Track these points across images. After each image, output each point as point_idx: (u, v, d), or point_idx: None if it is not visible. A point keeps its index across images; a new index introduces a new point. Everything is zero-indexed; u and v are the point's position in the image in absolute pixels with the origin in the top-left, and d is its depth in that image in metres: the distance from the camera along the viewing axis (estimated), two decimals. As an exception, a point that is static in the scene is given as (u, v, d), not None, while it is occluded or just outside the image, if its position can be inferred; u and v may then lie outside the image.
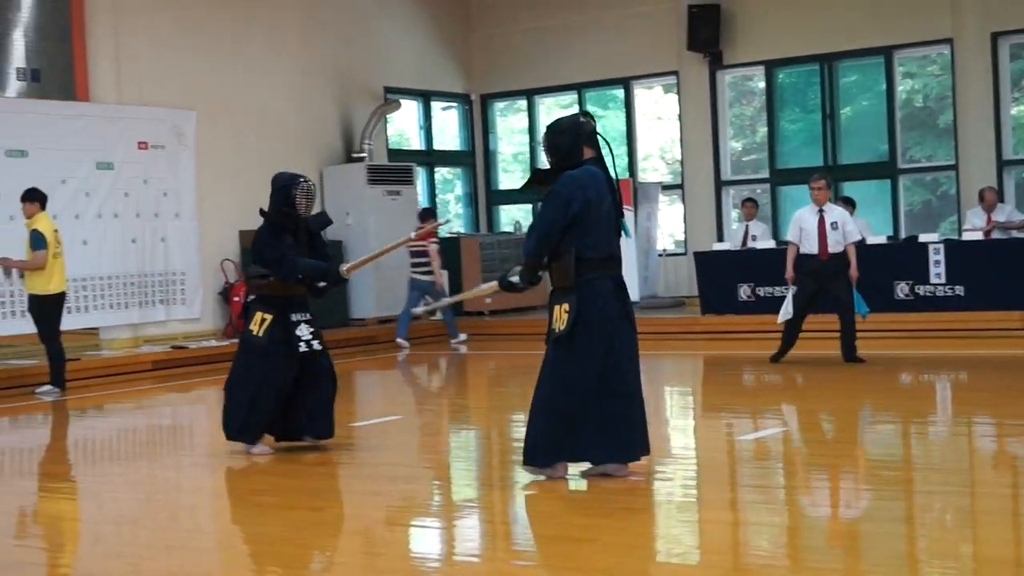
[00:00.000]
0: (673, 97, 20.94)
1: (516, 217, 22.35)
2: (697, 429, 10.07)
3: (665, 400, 12.18)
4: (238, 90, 17.99)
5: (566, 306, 7.26)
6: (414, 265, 17.44)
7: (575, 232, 7.23)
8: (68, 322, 14.42)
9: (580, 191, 7.21)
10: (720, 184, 20.38)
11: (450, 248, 20.42)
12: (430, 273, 17.20)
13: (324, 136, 19.31)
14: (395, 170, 19.38)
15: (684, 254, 20.30)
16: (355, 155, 19.44)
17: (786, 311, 13.18)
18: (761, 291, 16.78)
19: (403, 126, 21.70)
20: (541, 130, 22.35)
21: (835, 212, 13.14)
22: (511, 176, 22.87)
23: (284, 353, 8.84)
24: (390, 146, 20.75)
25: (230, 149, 17.79)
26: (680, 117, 20.61)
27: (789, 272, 13.15)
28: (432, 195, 21.71)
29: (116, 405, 12.91)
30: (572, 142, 7.34)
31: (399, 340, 17.48)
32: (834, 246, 12.96)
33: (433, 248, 16.99)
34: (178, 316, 16.97)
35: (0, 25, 15.66)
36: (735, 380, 12.98)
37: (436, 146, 21.88)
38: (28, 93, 15.79)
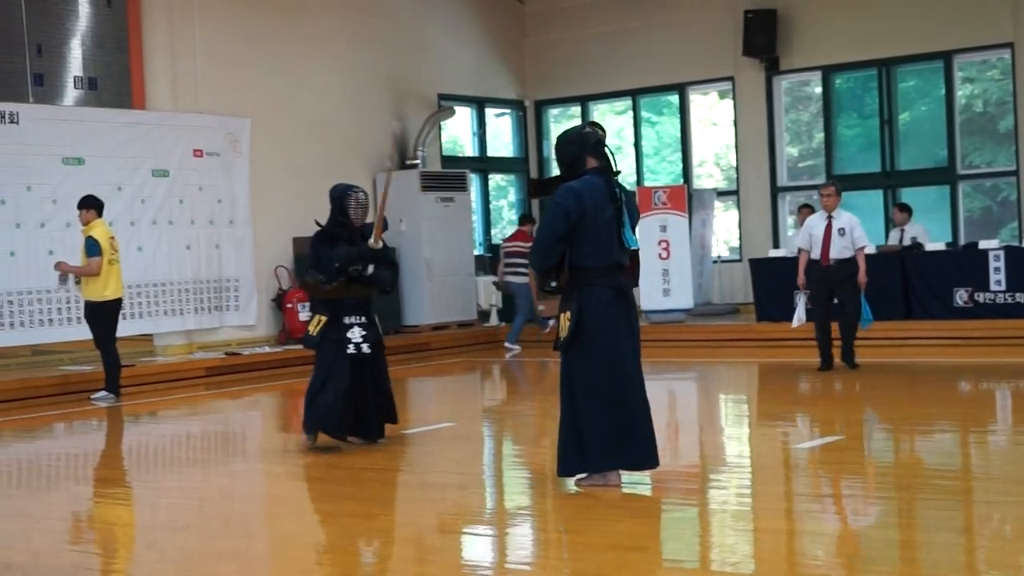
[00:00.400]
0: (728, 103, 20.86)
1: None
2: (752, 437, 10.00)
3: (720, 408, 12.13)
4: (292, 98, 18.09)
5: (568, 314, 7.33)
6: (508, 266, 17.61)
7: (574, 241, 7.32)
8: (123, 328, 14.56)
9: (576, 201, 7.27)
10: (776, 190, 20.28)
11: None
12: (524, 275, 17.35)
13: (378, 143, 19.37)
14: (448, 177, 19.42)
15: (739, 261, 20.21)
16: (409, 162, 19.49)
17: (798, 317, 13.46)
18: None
19: (457, 132, 21.75)
20: (595, 136, 22.52)
21: (843, 218, 13.23)
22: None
23: (337, 351, 9.18)
24: (444, 153, 20.80)
25: (284, 157, 17.90)
26: (735, 123, 20.52)
27: (800, 278, 13.28)
28: (485, 202, 21.74)
29: (170, 411, 13.01)
30: (576, 153, 7.45)
31: (508, 345, 17.70)
32: (840, 252, 13.15)
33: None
34: (232, 323, 17.08)
35: (58, 34, 15.83)
36: (791, 388, 12.91)
37: (490, 152, 21.91)
38: (85, 101, 15.97)
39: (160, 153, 16.29)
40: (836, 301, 13.27)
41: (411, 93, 19.98)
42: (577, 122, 22.19)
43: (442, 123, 20.44)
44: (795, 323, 13.60)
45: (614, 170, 7.51)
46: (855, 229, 13.13)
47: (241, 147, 17.23)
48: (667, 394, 13.44)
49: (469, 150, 21.80)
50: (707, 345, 16.85)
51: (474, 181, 21.20)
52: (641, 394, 7.43)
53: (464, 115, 21.49)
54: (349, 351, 9.24)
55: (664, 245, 18.37)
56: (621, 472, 7.47)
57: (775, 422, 10.61)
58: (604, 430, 7.29)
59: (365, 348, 9.27)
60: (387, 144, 19.46)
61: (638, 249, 7.64)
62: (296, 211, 17.83)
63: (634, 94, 21.46)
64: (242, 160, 17.24)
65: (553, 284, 7.46)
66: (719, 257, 20.25)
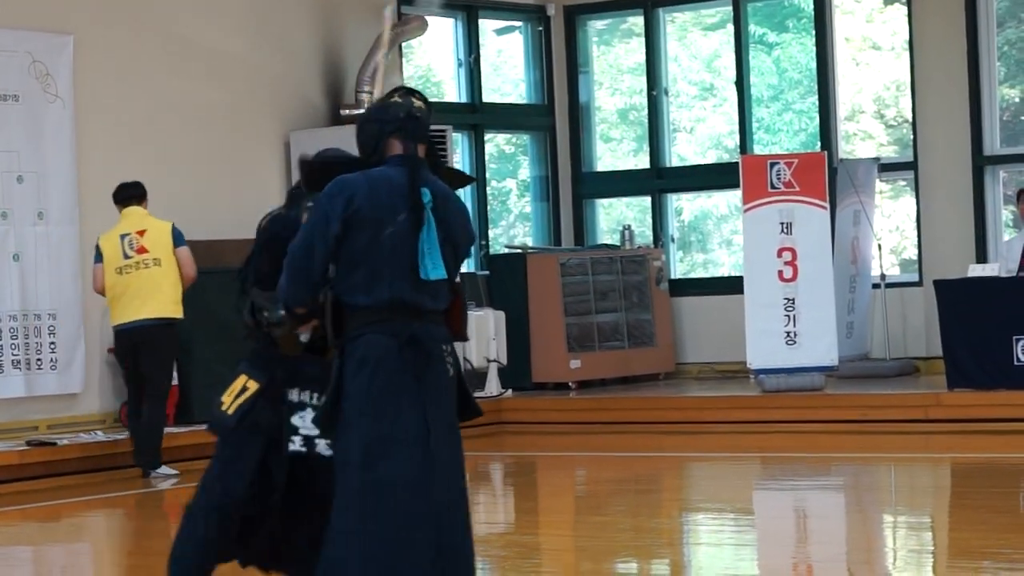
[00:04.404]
0: (900, 11, 20.88)
1: (623, 219, 22.35)
2: (939, 589, 10.02)
3: (885, 539, 12.12)
4: (147, 4, 18.12)
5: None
6: None
7: (339, 264, 7.52)
8: None
9: (344, 201, 7.43)
10: (982, 162, 20.27)
11: (511, 273, 20.48)
12: None
13: (293, 81, 19.40)
14: (416, 138, 19.43)
15: (919, 284, 20.20)
16: (346, 112, 19.51)
17: None
18: (1054, 350, 16.70)
19: (431, 62, 21.78)
20: (667, 68, 22.56)
21: None
22: (617, 149, 22.88)
23: (254, 443, 8.99)
24: (408, 97, 20.79)
25: (134, 103, 17.91)
26: (911, 46, 20.53)
27: None
28: (481, 179, 21.73)
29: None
30: (375, 133, 7.66)
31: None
32: None
33: None
34: (42, 390, 17.05)
35: None
36: (1006, 504, 12.88)
37: (487, 96, 21.93)
38: None
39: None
40: None
41: (351, -6, 20.06)
42: (640, 44, 22.26)
43: (405, 45, 20.46)
44: None
45: (431, 161, 7.65)
46: None
47: (57, 86, 17.26)
48: (794, 512, 13.39)
49: (452, 92, 21.83)
50: (861, 429, 16.82)
51: (460, 144, 21.21)
52: (430, 526, 7.47)
53: (443, 31, 21.53)
54: (292, 448, 9.03)
55: (788, 257, 18.36)
56: None
57: (978, 563, 10.59)
58: (346, 566, 7.46)
59: (322, 447, 9.07)
60: (312, 82, 19.50)
61: (457, 283, 7.70)
62: (155, 198, 17.73)
63: (737, -4, 21.53)
64: (60, 108, 17.26)
65: (302, 338, 7.93)
66: (883, 277, 20.25)
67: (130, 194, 15.84)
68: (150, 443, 15.63)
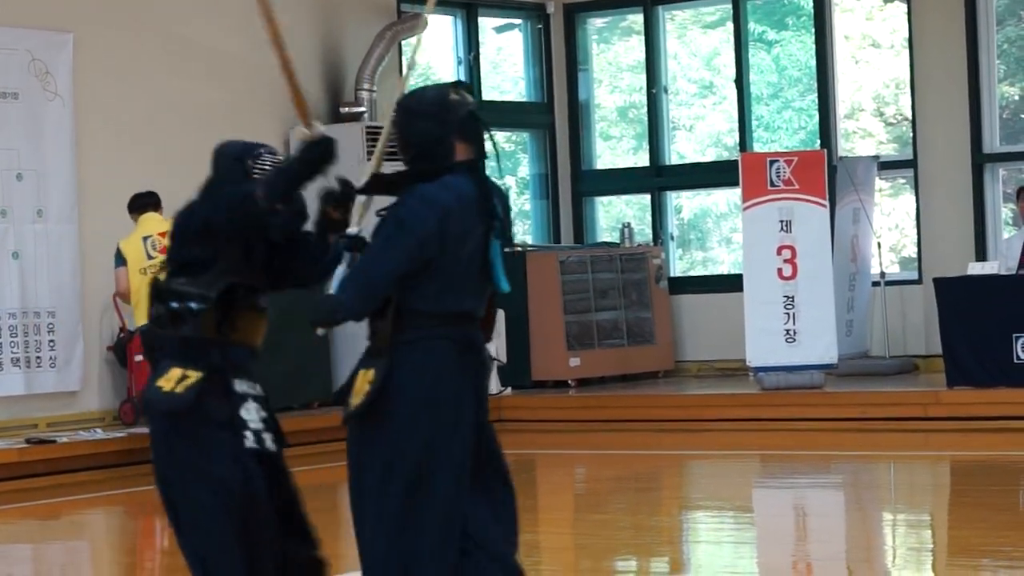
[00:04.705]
0: (900, 9, 20.89)
1: (623, 217, 22.36)
2: (939, 586, 10.03)
3: (884, 537, 12.13)
4: (147, 2, 18.14)
5: (371, 372, 7.34)
6: None
7: (412, 276, 7.33)
8: None
9: (439, 223, 7.28)
10: (981, 160, 20.28)
11: (513, 267, 20.44)
12: None
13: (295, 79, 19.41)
14: (415, 136, 19.44)
15: (918, 282, 20.21)
16: (346, 110, 19.54)
17: None
18: (1053, 347, 16.71)
19: (430, 60, 21.80)
20: (667, 66, 22.55)
21: None
22: (617, 147, 22.88)
23: (230, 441, 8.64)
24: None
25: (134, 101, 17.93)
26: (911, 44, 20.55)
27: None
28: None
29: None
30: (435, 132, 7.50)
31: None
32: None
33: None
34: (41, 387, 17.07)
35: None
36: (1005, 502, 12.90)
37: (487, 94, 21.97)
38: None
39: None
40: None
41: (351, -9, 20.07)
42: (639, 42, 22.28)
43: (404, 43, 20.50)
44: None
45: (497, 151, 7.58)
46: None
47: (57, 83, 17.28)
48: (793, 510, 13.40)
49: (451, 90, 21.83)
50: (861, 427, 16.83)
51: (459, 143, 21.22)
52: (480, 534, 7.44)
53: (443, 29, 21.55)
54: (247, 444, 8.73)
55: (787, 255, 18.38)
56: None
57: (977, 560, 10.60)
58: (381, 566, 7.40)
59: (270, 442, 8.82)
60: (312, 80, 19.52)
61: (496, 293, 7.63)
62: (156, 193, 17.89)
63: (736, -7, 21.54)
64: (59, 106, 17.28)
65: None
66: (883, 275, 20.26)
67: (146, 202, 16.23)
68: None
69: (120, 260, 15.90)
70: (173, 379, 8.33)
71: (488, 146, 7.60)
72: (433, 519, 7.32)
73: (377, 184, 7.77)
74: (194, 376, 8.27)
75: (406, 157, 7.58)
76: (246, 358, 8.67)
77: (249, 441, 8.40)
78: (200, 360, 8.38)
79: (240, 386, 8.54)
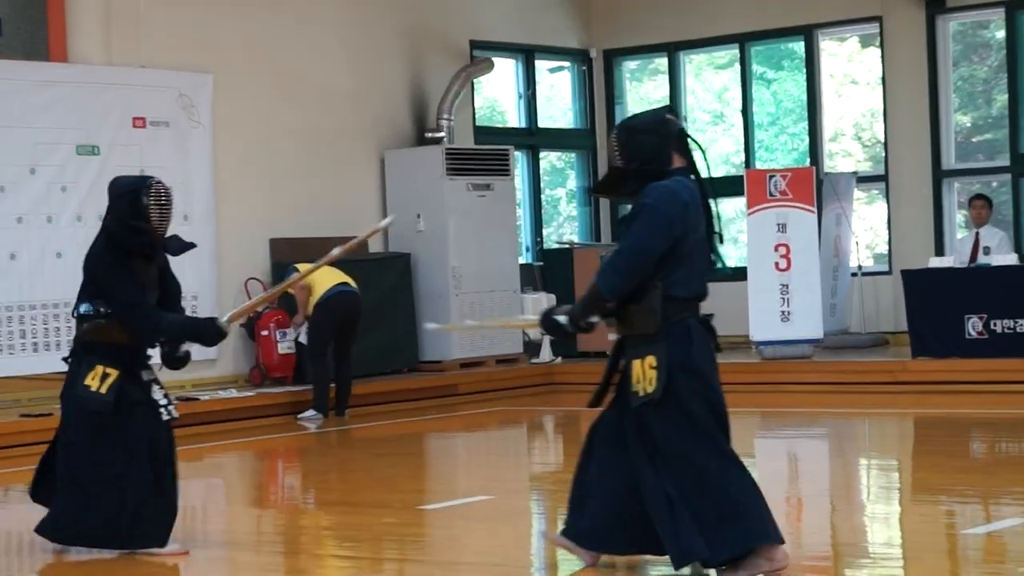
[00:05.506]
0: (874, 53, 20.82)
1: (652, 221, 22.34)
2: (904, 519, 10.00)
3: (860, 478, 12.12)
4: (271, 47, 18.20)
5: (651, 359, 7.32)
6: None
7: (667, 263, 7.37)
8: (36, 363, 14.74)
9: (681, 209, 7.35)
10: (940, 175, 20.21)
11: (560, 264, 20.50)
12: None
13: (387, 110, 19.46)
14: (484, 155, 19.47)
15: (888, 273, 20.16)
16: (429, 135, 19.58)
17: None
18: (997, 325, 16.63)
19: (496, 95, 21.81)
20: (688, 100, 22.54)
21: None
22: (646, 164, 22.86)
23: (144, 417, 8.77)
24: (478, 123, 20.86)
25: (259, 128, 18.01)
26: (884, 81, 20.48)
27: None
28: (536, 189, 21.79)
29: (101, 478, 13.05)
30: (657, 145, 7.54)
31: None
32: None
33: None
34: (186, 356, 17.17)
35: (-51, -40, 16.02)
36: (959, 450, 12.88)
37: (541, 123, 21.96)
38: (-14, 51, 16.15)
39: (88, 123, 16.43)
40: None
41: (433, 40, 20.06)
42: (664, 81, 22.25)
43: (476, 81, 20.51)
44: None
45: (707, 162, 7.64)
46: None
47: (199, 114, 17.35)
48: (787, 458, 13.38)
49: (513, 119, 21.86)
50: (843, 390, 16.79)
51: (520, 162, 21.24)
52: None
53: (506, 70, 21.56)
54: (164, 417, 8.91)
55: (783, 251, 18.37)
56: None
57: (937, 497, 10.59)
58: (713, 505, 7.33)
59: (174, 410, 9.06)
60: (402, 111, 19.57)
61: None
62: (276, 203, 17.95)
63: (742, 41, 21.45)
64: (201, 132, 17.36)
65: (597, 321, 7.58)
66: (860, 268, 20.22)
67: None
68: (347, 392, 16.49)
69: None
70: (96, 376, 8.72)
71: (698, 156, 7.68)
72: (727, 456, 7.42)
73: (611, 184, 7.81)
74: (114, 373, 8.69)
75: (630, 167, 7.55)
76: (146, 355, 9.03)
77: (167, 415, 8.88)
78: (115, 360, 8.74)
79: (146, 375, 8.94)
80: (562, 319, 7.63)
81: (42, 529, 8.87)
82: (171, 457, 8.88)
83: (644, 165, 7.51)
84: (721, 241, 7.67)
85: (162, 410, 8.85)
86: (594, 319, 7.56)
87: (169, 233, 9.13)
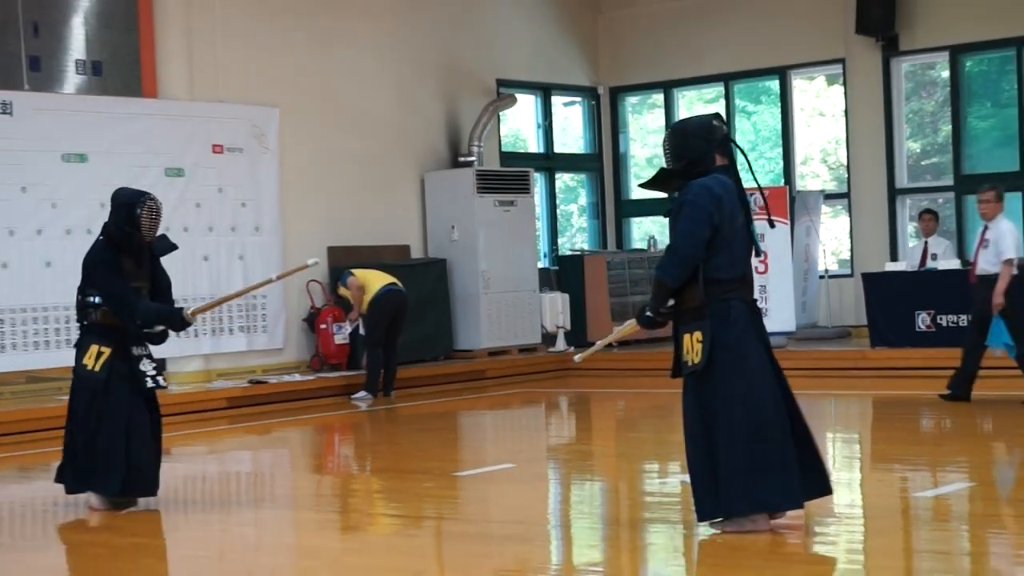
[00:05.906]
0: (838, 89, 20.79)
1: (650, 231, 22.33)
2: (865, 484, 9.98)
3: (828, 449, 12.09)
4: (328, 84, 18.22)
5: (698, 334, 7.35)
6: None
7: (708, 249, 7.43)
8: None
9: (715, 202, 7.38)
10: (894, 193, 20.18)
11: (572, 268, 20.52)
12: None
13: (426, 138, 19.46)
14: (509, 176, 19.48)
15: (850, 276, 20.12)
16: (462, 159, 19.59)
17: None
18: (943, 320, 16.59)
19: (519, 125, 21.80)
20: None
21: (1000, 226, 13.13)
22: (645, 183, 22.85)
23: (129, 390, 9.15)
24: (503, 148, 20.86)
25: (318, 152, 18.03)
26: (847, 113, 20.44)
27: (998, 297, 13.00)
28: (552, 205, 21.79)
29: (185, 449, 13.13)
30: (704, 148, 7.61)
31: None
32: (985, 266, 13.09)
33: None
34: (257, 346, 17.19)
35: (57, 11, 16.02)
36: (911, 425, 12.84)
37: (557, 148, 21.95)
38: (88, 89, 16.16)
39: (174, 149, 16.45)
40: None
41: (466, 78, 20.06)
42: (660, 113, 22.24)
43: (501, 113, 20.51)
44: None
45: (748, 161, 7.69)
46: (1002, 239, 13.11)
47: (268, 142, 17.38)
48: (765, 432, 13.38)
49: (533, 145, 21.85)
50: (811, 375, 16.76)
51: (539, 181, 21.24)
52: (786, 420, 7.52)
53: (527, 104, 21.54)
54: (148, 385, 9.20)
55: (762, 257, 18.32)
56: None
57: (892, 465, 10.58)
58: (742, 466, 7.32)
59: (161, 380, 9.36)
60: (439, 138, 19.58)
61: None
62: (332, 216, 17.98)
63: (727, 79, 21.43)
64: (269, 157, 17.38)
65: (670, 304, 7.57)
66: (826, 271, 20.18)
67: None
68: (393, 376, 16.53)
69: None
70: (92, 356, 9.16)
71: (740, 157, 7.73)
72: (760, 425, 7.43)
73: (659, 182, 7.87)
74: (107, 350, 9.12)
75: (679, 165, 7.66)
76: (138, 333, 9.23)
77: (151, 383, 9.21)
78: (109, 339, 9.15)
79: (137, 351, 9.24)
80: (649, 313, 7.66)
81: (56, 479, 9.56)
82: (145, 419, 9.24)
83: (691, 165, 7.58)
84: (752, 231, 7.66)
85: (148, 379, 9.22)
86: (669, 304, 7.59)
87: (178, 239, 9.82)
